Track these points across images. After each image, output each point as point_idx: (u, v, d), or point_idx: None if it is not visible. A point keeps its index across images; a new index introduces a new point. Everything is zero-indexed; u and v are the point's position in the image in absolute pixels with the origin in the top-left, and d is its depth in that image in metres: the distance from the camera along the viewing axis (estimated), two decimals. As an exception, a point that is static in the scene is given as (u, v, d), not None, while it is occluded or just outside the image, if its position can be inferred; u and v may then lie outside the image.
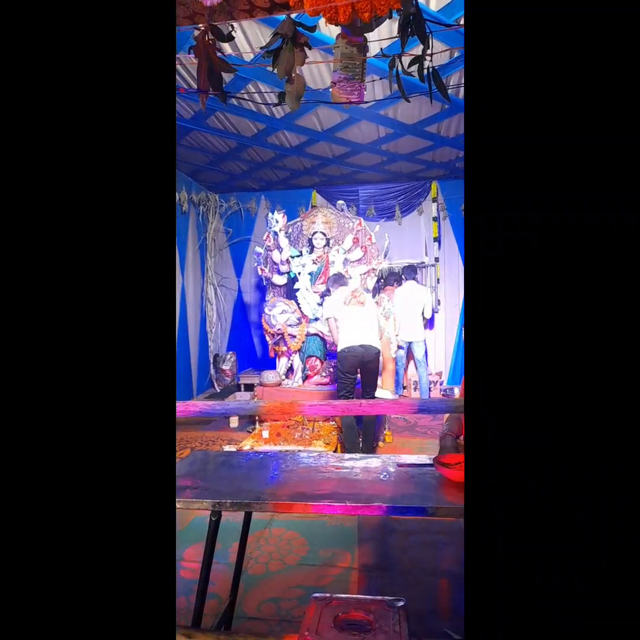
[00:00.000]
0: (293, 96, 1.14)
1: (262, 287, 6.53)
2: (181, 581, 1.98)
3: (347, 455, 1.66)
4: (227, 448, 3.71)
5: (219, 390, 6.22)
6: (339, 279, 3.98)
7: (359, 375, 3.55)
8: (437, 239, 5.96)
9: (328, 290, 4.18)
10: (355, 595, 1.38)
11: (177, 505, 1.19)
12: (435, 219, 5.94)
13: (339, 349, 3.51)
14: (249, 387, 5.84)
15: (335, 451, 3.50)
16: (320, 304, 4.79)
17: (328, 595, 1.13)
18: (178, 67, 3.02)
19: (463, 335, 5.31)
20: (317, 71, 3.19)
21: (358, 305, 3.61)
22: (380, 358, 3.63)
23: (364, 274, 4.99)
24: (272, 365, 5.33)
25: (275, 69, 1.13)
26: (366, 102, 2.21)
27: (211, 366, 6.39)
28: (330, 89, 1.31)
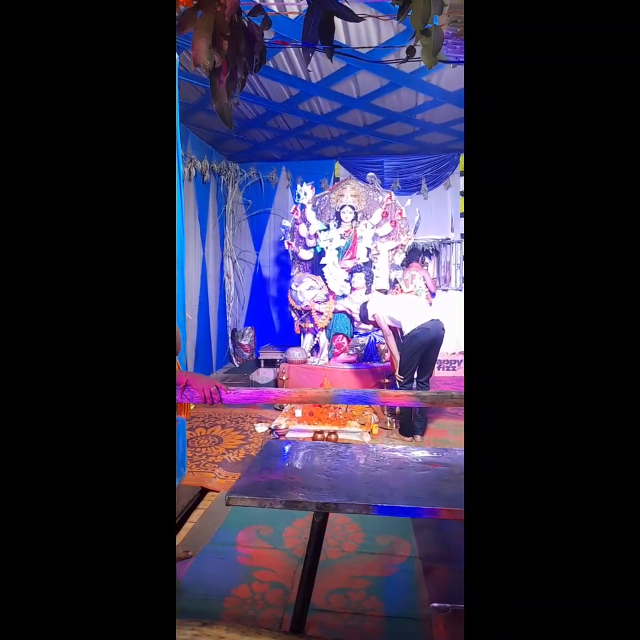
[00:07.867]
0: (430, 51, 0.98)
1: (281, 262, 6.38)
2: (240, 568, 1.93)
3: (436, 450, 1.58)
4: (258, 426, 3.65)
5: (237, 365, 6.16)
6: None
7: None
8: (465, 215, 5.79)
9: None
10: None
11: (278, 507, 1.11)
12: (462, 193, 5.75)
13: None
14: (270, 363, 5.77)
15: (370, 432, 3.45)
16: (348, 280, 4.67)
17: (448, 606, 1.06)
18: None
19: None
20: (363, 28, 2.98)
21: None
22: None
23: (393, 249, 4.85)
24: (291, 341, 5.23)
25: (400, 21, 0.98)
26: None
27: (229, 341, 6.31)
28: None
